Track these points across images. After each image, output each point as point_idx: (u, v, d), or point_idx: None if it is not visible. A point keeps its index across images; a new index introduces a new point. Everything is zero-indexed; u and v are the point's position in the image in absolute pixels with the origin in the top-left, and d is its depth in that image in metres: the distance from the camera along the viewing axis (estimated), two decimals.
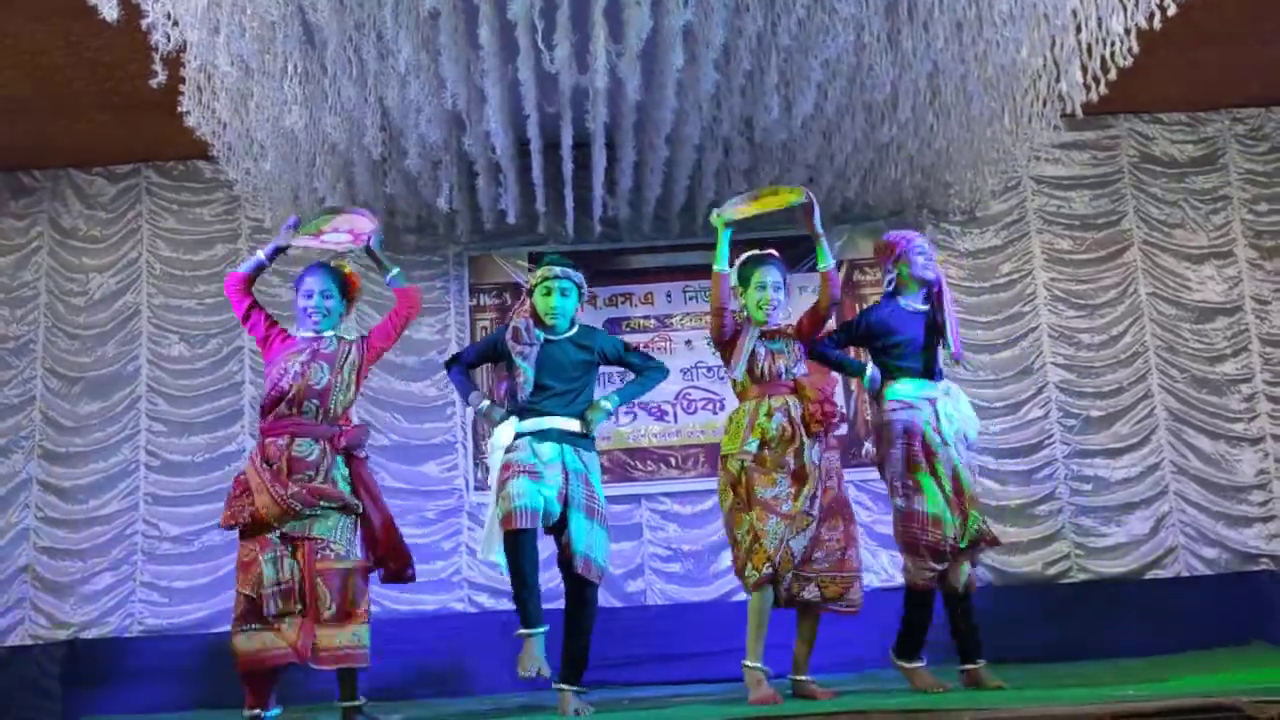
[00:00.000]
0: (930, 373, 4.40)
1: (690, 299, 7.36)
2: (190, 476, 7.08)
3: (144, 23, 4.42)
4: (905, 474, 4.29)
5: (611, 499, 6.97)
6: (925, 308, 4.45)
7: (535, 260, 7.35)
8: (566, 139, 5.88)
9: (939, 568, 4.21)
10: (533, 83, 5.16)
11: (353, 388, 4.04)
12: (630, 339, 7.26)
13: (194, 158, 7.27)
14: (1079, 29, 4.74)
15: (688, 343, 7.30)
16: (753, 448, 4.18)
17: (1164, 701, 2.43)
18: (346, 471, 3.96)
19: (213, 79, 5.23)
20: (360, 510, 3.91)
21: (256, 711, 3.79)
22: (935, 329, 4.40)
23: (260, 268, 4.12)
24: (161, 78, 4.56)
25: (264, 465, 3.80)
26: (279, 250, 4.15)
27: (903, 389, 4.37)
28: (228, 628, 6.67)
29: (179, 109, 5.27)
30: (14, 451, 7.15)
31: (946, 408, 4.33)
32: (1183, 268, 7.42)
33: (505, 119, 5.59)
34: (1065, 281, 7.41)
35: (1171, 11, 4.32)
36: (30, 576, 6.95)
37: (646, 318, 7.33)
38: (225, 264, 7.40)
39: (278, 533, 3.78)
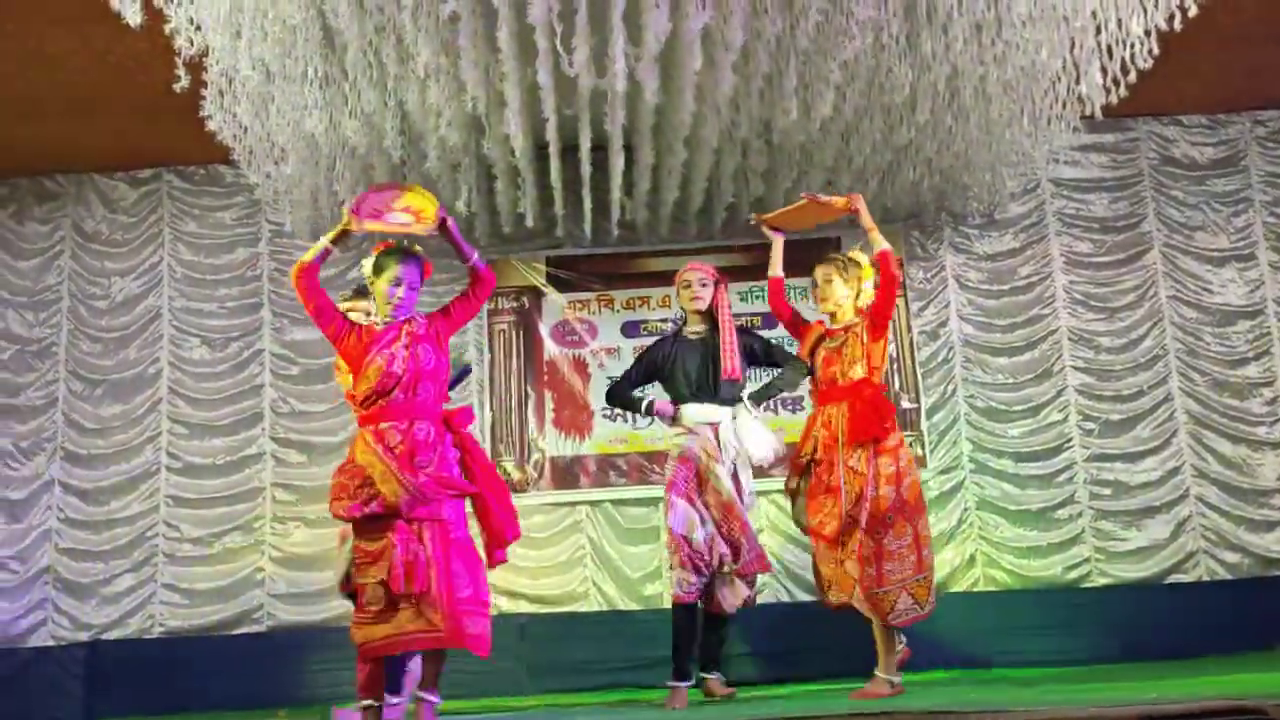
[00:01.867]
0: (716, 398, 4.62)
1: None
2: (211, 479, 7.13)
3: (167, 28, 4.46)
4: (672, 494, 4.56)
5: (629, 501, 7.07)
6: (702, 334, 4.73)
7: (552, 263, 7.44)
8: (585, 142, 5.89)
9: (696, 581, 4.46)
10: (551, 86, 5.18)
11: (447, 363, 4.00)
12: (648, 342, 7.32)
13: (215, 162, 7.32)
14: (1099, 31, 4.72)
15: None
16: (804, 461, 4.45)
17: (1188, 705, 2.41)
18: (458, 454, 3.86)
19: (234, 83, 5.26)
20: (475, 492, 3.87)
21: (370, 701, 3.71)
22: (716, 356, 4.62)
23: (327, 254, 3.90)
24: (184, 82, 4.60)
25: (387, 452, 3.66)
26: (345, 234, 3.91)
27: (686, 415, 4.64)
28: (248, 629, 6.84)
29: (201, 113, 5.31)
30: (36, 453, 7.21)
31: (728, 434, 4.58)
32: (1204, 270, 7.38)
33: (524, 122, 5.60)
34: (1085, 284, 7.38)
35: (1192, 13, 4.30)
36: (52, 578, 7.00)
37: (664, 321, 7.33)
38: (245, 268, 7.47)
39: (404, 518, 3.67)
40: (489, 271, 4.05)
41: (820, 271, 4.61)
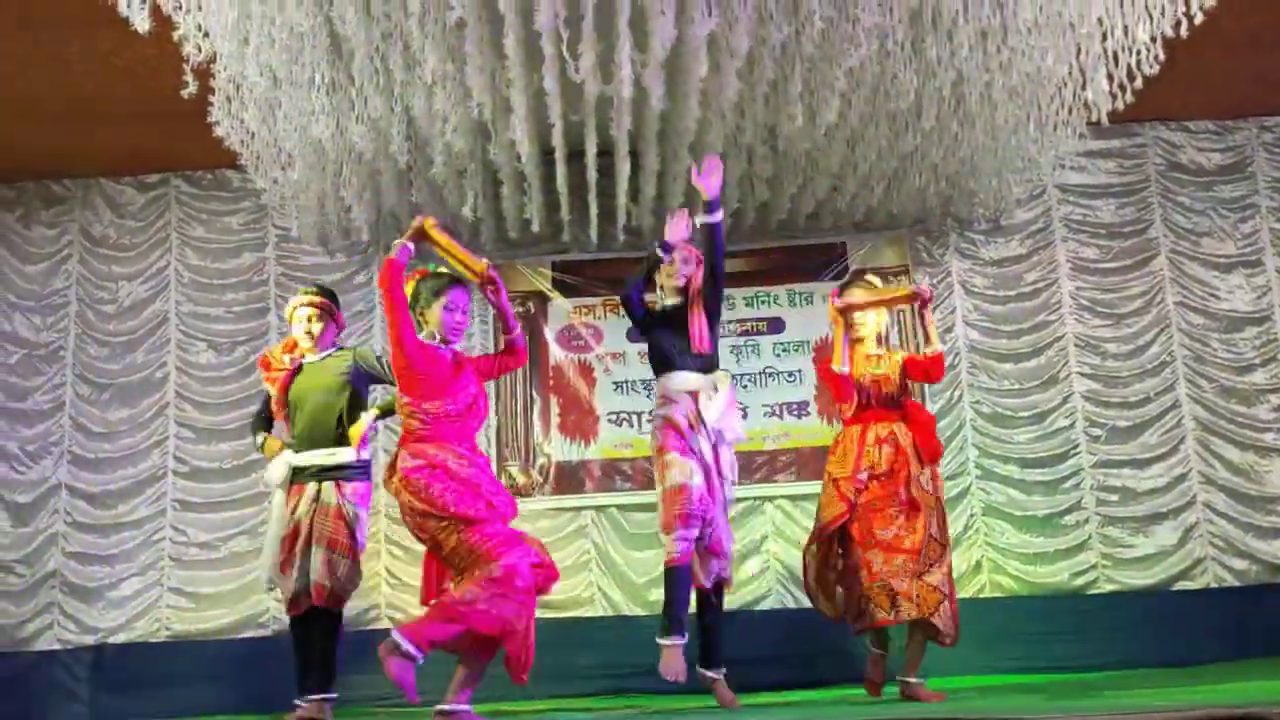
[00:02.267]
0: (696, 367, 4.50)
1: None
2: (218, 483, 7.15)
3: (175, 34, 4.48)
4: (666, 455, 4.38)
5: (634, 507, 7.07)
6: (680, 305, 4.63)
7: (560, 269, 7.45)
8: (591, 148, 5.91)
9: (691, 538, 4.27)
10: (557, 92, 5.19)
11: None
12: None
13: (222, 167, 7.34)
14: (1105, 37, 4.71)
15: None
16: (864, 477, 4.36)
17: (1192, 712, 2.41)
18: None
19: (242, 89, 5.28)
20: None
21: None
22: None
23: (408, 253, 3.83)
24: (192, 88, 4.62)
25: (488, 468, 3.75)
26: (419, 238, 3.86)
27: (670, 383, 4.52)
28: (254, 634, 6.84)
29: (208, 119, 5.33)
30: (43, 457, 7.24)
31: (706, 404, 4.44)
32: (1210, 276, 7.36)
33: (530, 128, 5.62)
34: (1091, 290, 7.37)
35: (1198, 20, 4.29)
36: (59, 581, 7.02)
37: None
38: (252, 272, 7.49)
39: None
40: (524, 354, 4.17)
41: (857, 295, 4.65)
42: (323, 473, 4.45)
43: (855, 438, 4.47)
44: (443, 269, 4.00)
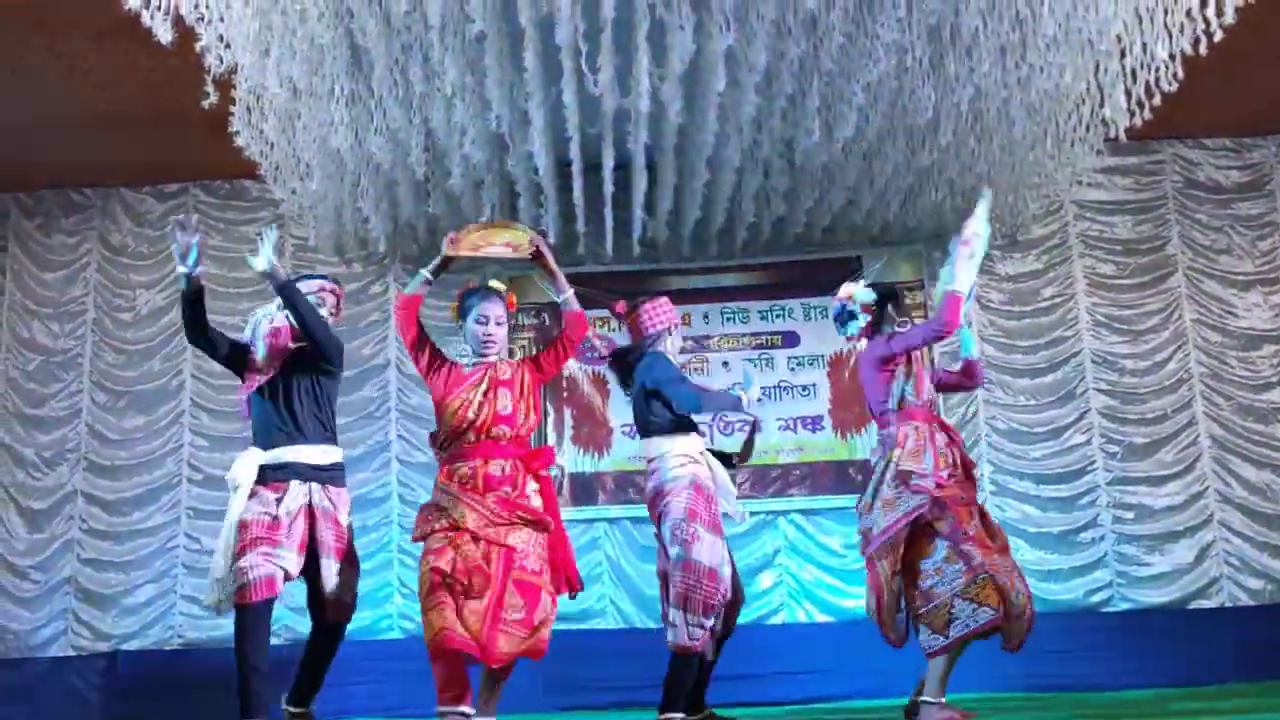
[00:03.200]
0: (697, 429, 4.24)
1: (728, 320, 7.37)
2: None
3: (197, 46, 4.51)
4: (695, 524, 4.02)
5: (648, 520, 7.01)
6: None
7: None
8: (608, 161, 5.92)
9: (710, 626, 3.99)
10: (575, 105, 5.21)
11: (534, 411, 3.82)
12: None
13: (241, 177, 7.39)
14: (1123, 54, 4.71)
15: (725, 364, 7.30)
16: (945, 475, 3.93)
17: None
18: (537, 486, 3.77)
19: (262, 100, 5.32)
20: (551, 529, 3.73)
21: (463, 709, 3.47)
22: None
23: (427, 285, 3.81)
24: (213, 99, 4.65)
25: (458, 485, 3.65)
26: (443, 266, 3.83)
27: (690, 444, 4.19)
28: None
29: (229, 129, 5.37)
30: (60, 464, 7.27)
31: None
32: (1228, 294, 7.33)
33: (548, 140, 5.64)
34: (1108, 306, 7.35)
35: (1217, 38, 4.28)
36: (73, 588, 7.06)
37: (684, 339, 7.31)
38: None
39: (471, 534, 3.59)
40: (580, 316, 3.89)
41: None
42: (310, 473, 4.03)
43: (926, 435, 3.98)
44: (493, 283, 3.90)
